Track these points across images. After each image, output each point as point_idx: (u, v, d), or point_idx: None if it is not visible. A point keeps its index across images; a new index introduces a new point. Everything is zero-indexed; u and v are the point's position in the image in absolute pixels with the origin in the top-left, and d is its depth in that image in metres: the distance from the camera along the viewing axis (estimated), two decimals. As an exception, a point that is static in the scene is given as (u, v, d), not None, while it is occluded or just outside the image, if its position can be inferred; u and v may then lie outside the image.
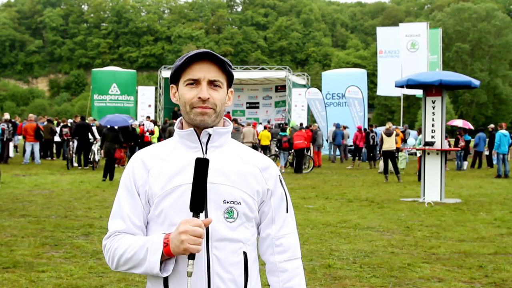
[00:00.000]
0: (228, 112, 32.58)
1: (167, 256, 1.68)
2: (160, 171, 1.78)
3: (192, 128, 1.80)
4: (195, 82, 1.78)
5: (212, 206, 1.76)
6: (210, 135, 1.81)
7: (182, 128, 1.86)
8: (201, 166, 1.67)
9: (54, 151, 24.14)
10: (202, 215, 1.70)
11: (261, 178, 1.85)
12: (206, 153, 1.80)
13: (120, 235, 1.79)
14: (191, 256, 1.65)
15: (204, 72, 1.77)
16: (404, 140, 24.85)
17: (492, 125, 21.05)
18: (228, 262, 1.77)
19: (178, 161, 1.79)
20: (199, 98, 1.76)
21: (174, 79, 1.84)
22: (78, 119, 21.61)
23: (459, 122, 28.42)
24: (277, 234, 1.89)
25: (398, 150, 17.42)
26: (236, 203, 1.78)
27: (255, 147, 21.57)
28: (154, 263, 1.68)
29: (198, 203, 1.67)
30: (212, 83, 1.79)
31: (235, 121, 21.61)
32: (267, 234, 1.90)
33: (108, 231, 1.82)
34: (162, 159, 1.81)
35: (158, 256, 1.67)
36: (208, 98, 1.77)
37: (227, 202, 1.77)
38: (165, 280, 1.74)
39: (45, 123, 23.27)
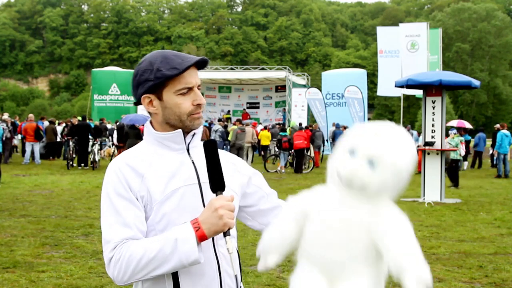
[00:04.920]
0: (245, 111, 32.63)
1: (200, 241, 1.66)
2: (154, 176, 1.75)
3: (180, 130, 1.79)
4: (188, 89, 1.77)
5: None
6: (194, 135, 1.84)
7: (158, 131, 1.83)
8: (210, 148, 1.72)
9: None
10: (224, 193, 1.72)
11: (237, 172, 1.92)
12: (189, 153, 1.82)
13: (127, 242, 1.69)
14: (227, 233, 1.67)
15: (194, 77, 1.78)
16: None
17: (498, 125, 21.06)
18: (231, 257, 1.81)
19: (168, 165, 1.78)
20: (198, 104, 1.78)
21: (154, 89, 1.77)
22: (75, 120, 21.64)
23: (453, 123, 28.44)
24: (275, 200, 2.01)
25: None
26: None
27: (254, 146, 21.61)
28: (190, 251, 1.63)
29: (218, 182, 1.71)
30: (198, 86, 1.81)
31: (239, 121, 21.58)
32: (269, 204, 1.98)
33: (111, 242, 1.70)
34: (149, 164, 1.77)
35: (192, 243, 1.64)
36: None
37: None
38: (176, 282, 1.72)
39: (46, 122, 23.28)
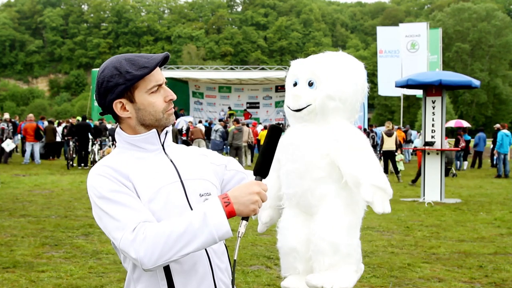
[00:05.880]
0: (246, 111, 32.61)
1: (228, 217, 1.63)
2: (138, 177, 1.74)
3: (155, 129, 1.80)
4: (158, 87, 1.78)
5: (194, 200, 1.79)
6: (166, 133, 1.85)
7: (131, 135, 1.82)
8: (275, 133, 1.71)
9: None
10: (264, 180, 1.73)
11: (211, 163, 1.94)
12: (166, 152, 1.84)
13: (147, 223, 1.63)
14: (247, 218, 1.68)
15: (161, 74, 1.80)
16: (408, 141, 24.88)
17: (498, 125, 21.09)
18: (220, 252, 1.84)
19: (147, 166, 1.77)
20: (170, 100, 1.80)
21: (125, 92, 1.75)
22: (74, 121, 21.65)
23: (452, 123, 28.45)
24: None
25: (397, 150, 17.47)
26: (207, 194, 1.83)
27: (250, 145, 21.65)
28: (220, 224, 1.60)
29: (265, 168, 1.70)
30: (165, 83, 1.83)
31: (236, 121, 21.61)
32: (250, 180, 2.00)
33: (128, 225, 1.61)
34: (130, 167, 1.76)
35: (222, 216, 1.61)
36: None
37: (202, 195, 1.82)
38: (169, 281, 1.72)
39: (45, 122, 23.27)
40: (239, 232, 1.66)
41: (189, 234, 1.59)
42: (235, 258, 1.65)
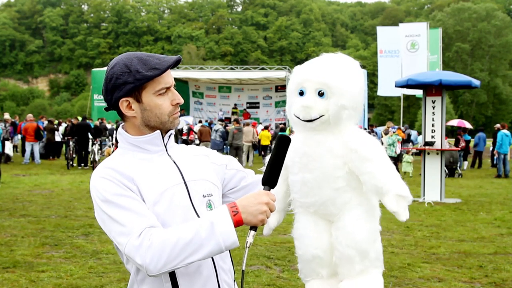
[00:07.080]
0: (245, 110, 32.66)
1: (235, 226, 1.63)
2: (142, 179, 1.72)
3: (159, 131, 1.79)
4: (166, 89, 1.77)
5: (197, 202, 1.78)
6: (170, 135, 1.84)
7: (134, 135, 1.80)
8: (284, 144, 1.70)
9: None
10: (272, 190, 1.72)
11: (212, 163, 1.94)
12: (168, 154, 1.83)
13: (153, 228, 1.62)
14: (256, 228, 1.67)
15: (170, 77, 1.79)
16: (407, 140, 24.86)
17: (498, 125, 21.10)
18: (223, 253, 1.81)
19: (151, 167, 1.76)
20: (177, 104, 1.79)
21: (133, 91, 1.74)
22: (75, 121, 21.67)
23: (454, 122, 28.45)
24: (254, 176, 2.02)
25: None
26: (210, 195, 1.83)
27: (254, 145, 21.63)
28: (228, 233, 1.60)
29: (273, 178, 1.69)
30: (174, 86, 1.82)
31: (236, 121, 21.60)
32: (250, 180, 1.99)
33: (134, 230, 1.61)
34: (133, 168, 1.74)
35: (230, 225, 1.61)
36: None
37: (205, 196, 1.82)
38: (174, 283, 1.71)
39: (45, 122, 23.28)
40: (247, 242, 1.66)
41: (196, 243, 1.58)
42: (243, 269, 1.64)
